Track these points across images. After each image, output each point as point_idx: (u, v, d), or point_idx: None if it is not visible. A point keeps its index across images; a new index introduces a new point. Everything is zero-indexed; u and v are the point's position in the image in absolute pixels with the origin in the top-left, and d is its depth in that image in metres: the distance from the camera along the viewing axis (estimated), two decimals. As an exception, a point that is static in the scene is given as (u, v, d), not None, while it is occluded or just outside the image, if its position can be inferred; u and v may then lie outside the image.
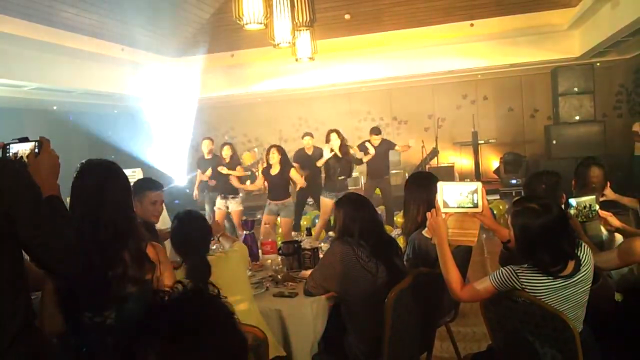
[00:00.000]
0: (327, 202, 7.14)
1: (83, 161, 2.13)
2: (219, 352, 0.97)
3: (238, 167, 7.83)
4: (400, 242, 3.55)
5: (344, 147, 7.25)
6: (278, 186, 6.88)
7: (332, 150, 7.15)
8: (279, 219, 6.93)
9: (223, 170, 7.59)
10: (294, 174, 6.85)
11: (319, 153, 7.55)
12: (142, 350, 0.95)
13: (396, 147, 8.48)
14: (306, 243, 3.83)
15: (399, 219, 7.92)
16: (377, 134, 8.21)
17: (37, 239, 1.67)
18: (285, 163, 6.82)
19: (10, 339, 1.61)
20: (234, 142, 11.87)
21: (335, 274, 2.83)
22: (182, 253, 2.76)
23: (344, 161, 7.26)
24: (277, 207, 6.84)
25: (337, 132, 7.28)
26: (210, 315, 1.01)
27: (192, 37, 9.63)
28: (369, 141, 8.16)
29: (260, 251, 4.04)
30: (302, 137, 8.21)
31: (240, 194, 8.09)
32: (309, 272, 3.46)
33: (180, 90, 11.31)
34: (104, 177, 2.09)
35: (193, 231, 2.77)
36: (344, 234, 2.90)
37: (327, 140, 7.27)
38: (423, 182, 3.30)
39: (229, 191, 7.73)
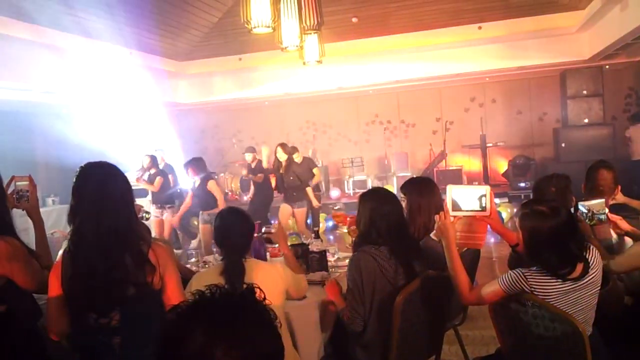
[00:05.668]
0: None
1: (82, 164, 2.14)
2: (255, 352, 1.01)
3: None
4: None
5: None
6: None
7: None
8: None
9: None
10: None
11: (307, 164, 7.63)
12: (185, 336, 1.00)
13: (314, 169, 8.01)
14: (314, 246, 3.83)
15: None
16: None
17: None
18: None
19: None
20: (242, 145, 11.95)
21: (361, 289, 2.68)
22: (222, 251, 2.64)
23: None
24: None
25: (284, 145, 7.47)
26: (252, 316, 1.05)
27: (200, 41, 9.66)
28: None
29: (268, 254, 4.04)
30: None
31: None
32: (317, 274, 3.46)
33: (189, 94, 11.39)
34: (103, 179, 2.10)
35: (233, 229, 2.62)
36: (370, 229, 2.74)
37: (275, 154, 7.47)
38: (426, 188, 3.27)
39: None
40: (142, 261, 2.04)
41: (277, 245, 3.62)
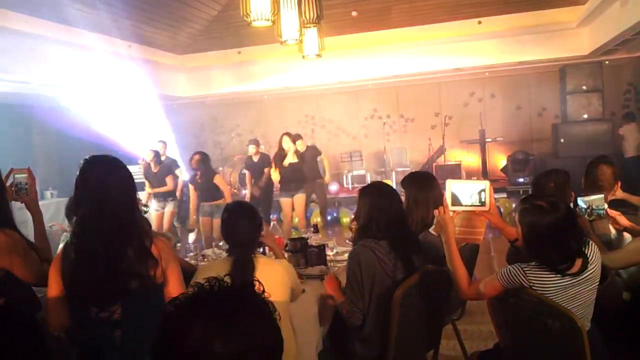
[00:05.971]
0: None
1: (86, 157, 2.14)
2: (253, 344, 1.01)
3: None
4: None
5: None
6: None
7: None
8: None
9: None
10: None
11: (311, 152, 7.65)
12: (184, 328, 1.00)
13: (320, 156, 8.46)
14: (313, 240, 3.83)
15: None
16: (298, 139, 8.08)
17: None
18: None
19: None
20: (241, 138, 11.94)
21: (361, 283, 2.69)
22: (230, 245, 2.64)
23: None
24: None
25: (290, 135, 7.37)
26: (251, 308, 1.05)
27: (199, 34, 9.64)
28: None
29: (266, 248, 4.04)
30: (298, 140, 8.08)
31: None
32: (315, 269, 3.46)
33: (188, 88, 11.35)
34: (106, 171, 2.10)
35: (242, 224, 2.59)
36: (370, 224, 2.75)
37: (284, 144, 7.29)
38: (425, 183, 3.27)
39: None
40: (144, 255, 2.04)
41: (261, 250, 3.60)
